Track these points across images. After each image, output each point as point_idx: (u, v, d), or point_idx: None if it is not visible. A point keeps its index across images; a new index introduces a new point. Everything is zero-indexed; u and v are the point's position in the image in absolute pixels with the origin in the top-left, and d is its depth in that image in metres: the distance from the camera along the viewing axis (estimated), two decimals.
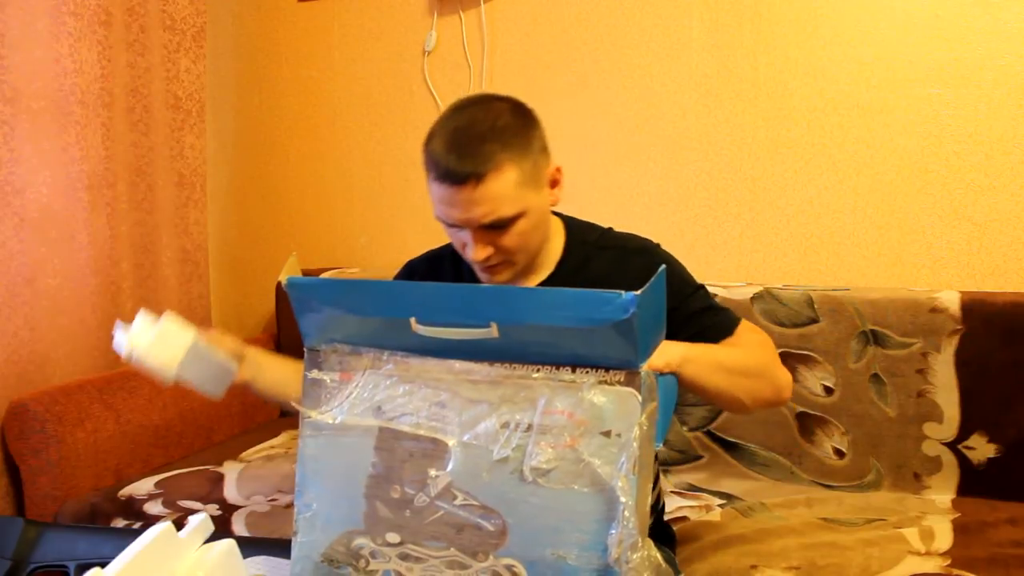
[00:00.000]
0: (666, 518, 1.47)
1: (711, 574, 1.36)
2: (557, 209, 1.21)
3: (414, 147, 1.20)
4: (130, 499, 1.69)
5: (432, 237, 1.27)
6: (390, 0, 2.28)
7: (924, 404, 1.68)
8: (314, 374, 0.83)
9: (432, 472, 0.78)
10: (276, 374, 1.23)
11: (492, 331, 0.75)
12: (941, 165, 1.83)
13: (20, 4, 1.79)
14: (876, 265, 1.89)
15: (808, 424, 1.75)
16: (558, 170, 1.14)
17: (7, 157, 1.79)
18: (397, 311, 0.78)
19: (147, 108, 2.14)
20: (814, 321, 1.74)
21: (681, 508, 1.64)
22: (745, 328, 1.14)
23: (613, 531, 0.72)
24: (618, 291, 0.70)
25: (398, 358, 0.80)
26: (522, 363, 0.76)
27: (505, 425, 0.75)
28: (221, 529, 1.02)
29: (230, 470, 1.84)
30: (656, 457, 0.83)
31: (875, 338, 1.71)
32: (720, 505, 1.65)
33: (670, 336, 0.85)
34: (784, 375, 1.10)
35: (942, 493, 1.66)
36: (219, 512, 1.63)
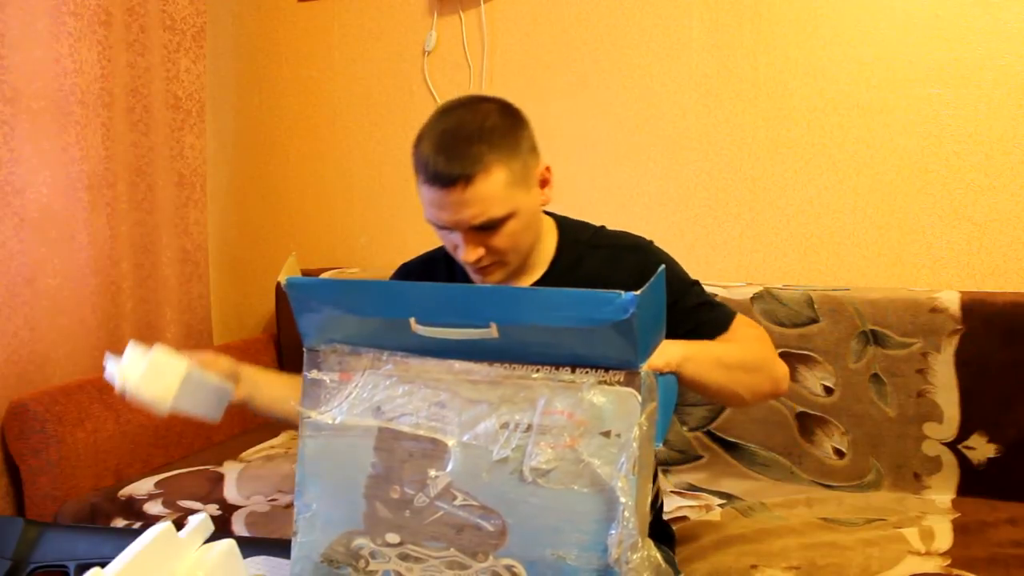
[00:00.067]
0: (666, 518, 1.47)
1: (711, 574, 1.36)
2: (550, 209, 1.21)
3: None
4: (130, 499, 1.69)
5: (432, 237, 1.26)
6: (390, 0, 2.28)
7: (924, 404, 1.68)
8: (313, 374, 0.83)
9: (432, 472, 0.78)
10: (274, 391, 1.20)
11: (492, 331, 0.75)
12: (941, 165, 1.83)
13: (20, 4, 1.79)
14: (876, 265, 1.89)
15: (808, 424, 1.75)
16: (548, 169, 1.14)
17: (7, 157, 1.79)
18: (397, 311, 0.78)
19: (147, 108, 2.14)
20: (814, 321, 1.74)
21: (681, 508, 1.64)
22: (741, 322, 1.15)
23: (613, 531, 0.72)
24: (618, 291, 0.70)
25: (398, 358, 0.80)
26: (522, 363, 0.76)
27: (505, 425, 0.75)
28: (221, 529, 1.02)
29: (230, 470, 1.84)
30: (656, 456, 0.83)
31: (875, 338, 1.71)
32: (720, 505, 1.65)
33: (666, 332, 0.85)
34: (781, 367, 1.11)
35: (942, 493, 1.66)
36: (219, 512, 1.63)
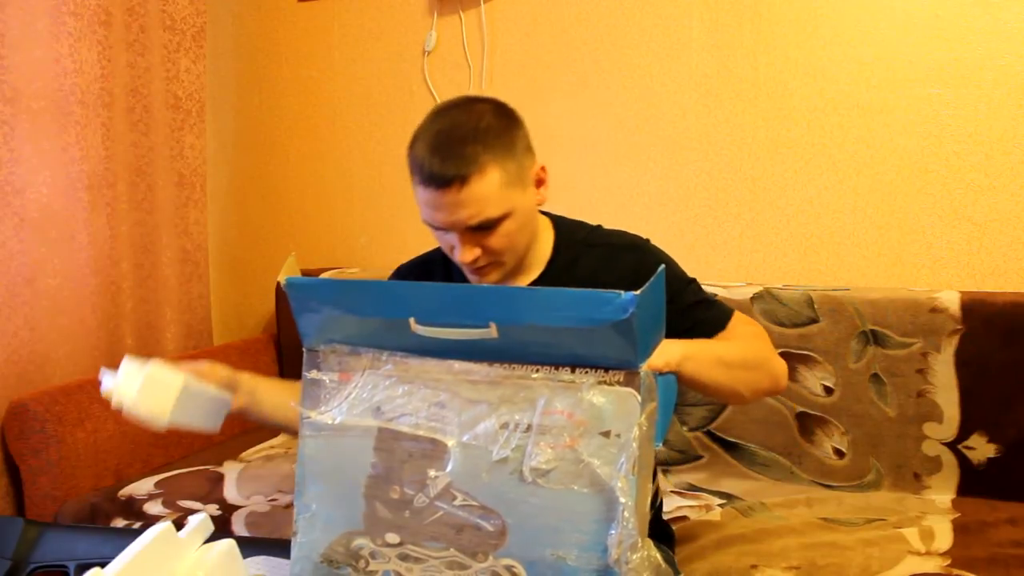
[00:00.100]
0: (666, 518, 1.47)
1: (711, 573, 1.36)
2: (549, 208, 1.21)
3: None
4: (130, 499, 1.69)
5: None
6: (390, 0, 2.28)
7: (924, 404, 1.68)
8: (313, 374, 0.83)
9: (431, 472, 0.78)
10: (273, 398, 1.19)
11: (491, 331, 0.75)
12: (941, 165, 1.83)
13: (20, 4, 1.79)
14: (876, 265, 1.89)
15: (808, 424, 1.75)
16: (543, 169, 1.13)
17: (7, 157, 1.79)
18: (396, 311, 0.78)
19: (147, 108, 2.14)
20: (814, 321, 1.74)
21: (681, 508, 1.64)
22: (739, 320, 1.15)
23: (613, 531, 0.72)
24: (617, 291, 0.70)
25: (397, 358, 0.80)
26: (521, 363, 0.76)
27: (504, 425, 0.75)
28: (221, 529, 1.02)
29: (230, 470, 1.84)
30: (655, 456, 0.83)
31: (875, 338, 1.71)
32: (720, 505, 1.65)
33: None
34: (780, 364, 1.11)
35: (942, 493, 1.66)
36: (219, 512, 1.63)
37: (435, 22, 2.22)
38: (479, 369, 0.77)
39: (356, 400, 0.81)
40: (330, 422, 0.81)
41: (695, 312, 1.13)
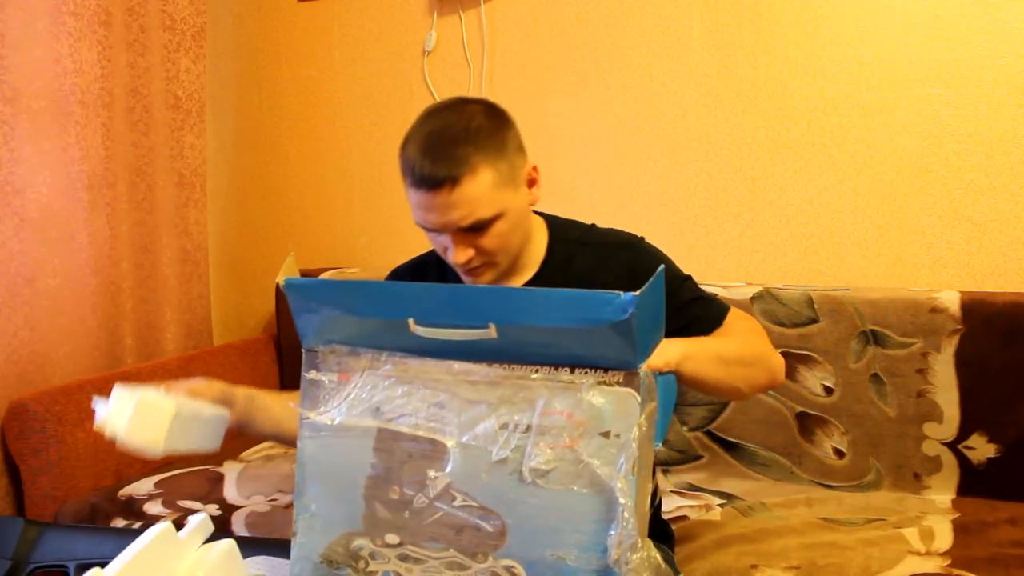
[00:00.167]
0: (666, 517, 1.47)
1: (711, 573, 1.36)
2: (546, 208, 1.21)
3: None
4: (130, 499, 1.69)
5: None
6: (390, 0, 2.28)
7: (924, 404, 1.68)
8: (312, 375, 0.83)
9: (431, 473, 0.78)
10: (271, 410, 1.14)
11: (490, 332, 0.75)
12: (941, 165, 1.83)
13: (20, 4, 1.80)
14: (876, 265, 1.89)
15: (808, 424, 1.75)
16: (535, 169, 1.13)
17: (7, 157, 1.79)
18: (395, 312, 0.78)
19: (147, 108, 2.14)
20: (814, 321, 1.74)
21: (681, 508, 1.64)
22: (735, 316, 1.15)
23: (612, 532, 0.72)
24: (617, 292, 0.70)
25: (396, 359, 0.80)
26: (521, 364, 0.76)
27: (504, 426, 0.75)
28: (221, 529, 1.02)
29: (230, 470, 1.84)
30: (655, 456, 0.83)
31: (875, 338, 1.71)
32: (720, 505, 1.65)
33: None
34: (777, 359, 1.11)
35: (942, 493, 1.66)
36: (219, 512, 1.63)
37: (435, 22, 2.22)
38: (478, 369, 0.77)
39: (355, 401, 0.81)
40: (329, 423, 0.81)
41: (691, 309, 1.13)
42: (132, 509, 1.67)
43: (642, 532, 0.74)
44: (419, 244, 1.34)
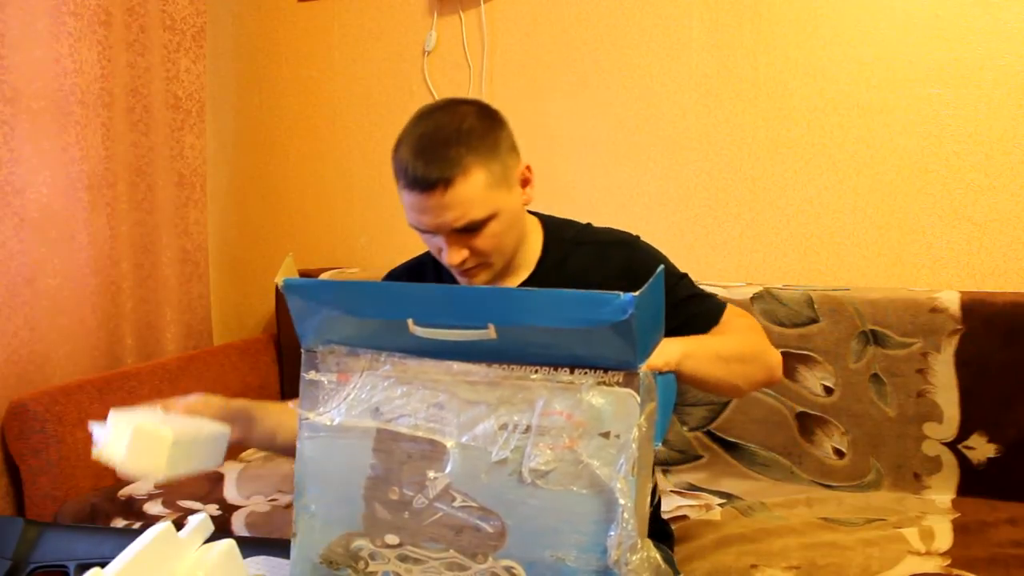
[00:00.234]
0: (666, 517, 1.47)
1: (711, 573, 1.36)
2: (544, 208, 1.20)
3: None
4: (130, 499, 1.70)
5: None
6: (390, 0, 2.27)
7: (924, 404, 1.68)
8: (311, 375, 0.83)
9: (431, 474, 0.78)
10: (268, 421, 1.11)
11: (490, 332, 0.75)
12: (941, 165, 1.83)
13: (20, 4, 1.80)
14: (876, 265, 1.89)
15: (808, 424, 1.75)
16: (528, 169, 1.13)
17: (7, 157, 1.79)
18: (394, 312, 0.78)
19: (147, 108, 2.14)
20: (814, 321, 1.74)
21: (681, 507, 1.64)
22: (732, 313, 1.15)
23: (612, 533, 0.72)
24: (616, 292, 0.70)
25: (396, 359, 0.80)
26: (520, 364, 0.76)
27: (503, 426, 0.75)
28: (221, 529, 1.02)
29: (230, 470, 1.84)
30: (655, 456, 0.83)
31: (875, 338, 1.71)
32: (720, 505, 1.65)
33: None
34: (775, 355, 1.11)
35: (942, 493, 1.66)
36: (219, 512, 1.63)
37: (435, 22, 2.22)
38: (478, 370, 0.77)
39: (355, 401, 0.81)
40: (329, 423, 0.81)
41: (689, 306, 1.13)
42: (132, 509, 1.67)
43: (642, 533, 0.74)
44: (419, 244, 1.34)
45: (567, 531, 0.73)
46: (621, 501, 0.72)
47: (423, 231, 1.09)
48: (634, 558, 0.72)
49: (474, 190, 1.04)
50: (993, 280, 1.81)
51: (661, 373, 0.79)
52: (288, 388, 2.25)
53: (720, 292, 1.75)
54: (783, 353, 1.16)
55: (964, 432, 1.66)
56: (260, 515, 1.62)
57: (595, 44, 2.08)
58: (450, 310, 0.77)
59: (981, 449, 1.65)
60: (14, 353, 1.81)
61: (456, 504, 0.77)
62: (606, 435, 0.73)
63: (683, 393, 1.79)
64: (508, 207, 1.09)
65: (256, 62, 2.44)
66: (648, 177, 2.06)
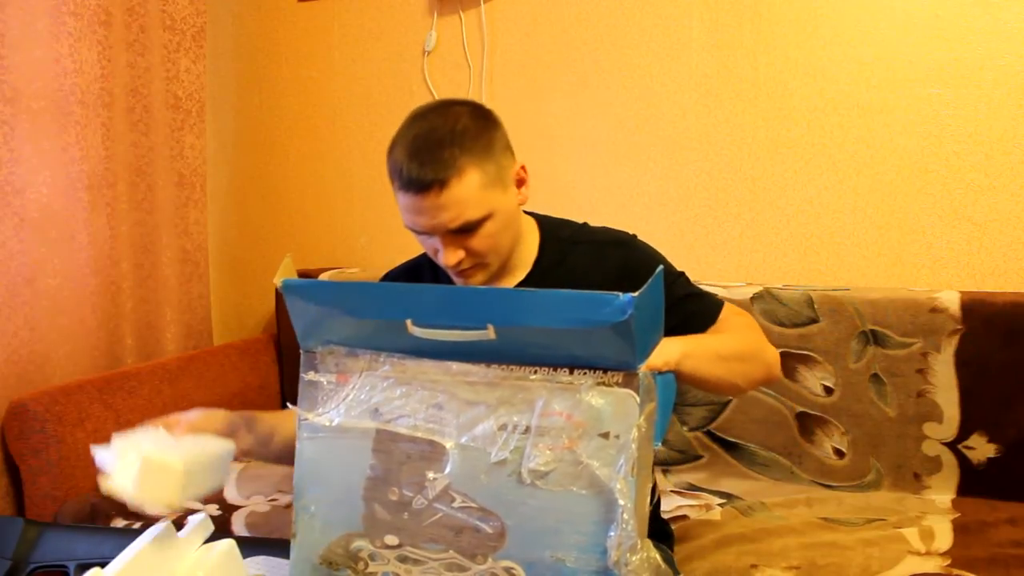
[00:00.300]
0: (666, 517, 1.47)
1: (711, 573, 1.36)
2: (543, 208, 1.20)
3: None
4: None
5: None
6: (390, 0, 2.27)
7: (924, 404, 1.68)
8: (310, 376, 0.83)
9: (430, 474, 0.78)
10: (267, 422, 1.08)
11: (489, 333, 0.75)
12: (941, 165, 1.83)
13: (20, 4, 1.79)
14: (876, 265, 1.89)
15: (808, 424, 1.75)
16: (523, 169, 1.13)
17: (7, 157, 1.79)
18: (393, 313, 0.78)
19: (147, 108, 2.14)
20: (814, 321, 1.74)
21: (681, 507, 1.64)
22: (729, 311, 1.15)
23: (612, 533, 0.72)
24: (615, 292, 0.70)
25: (395, 360, 0.80)
26: (519, 365, 0.76)
27: (503, 427, 0.75)
28: (221, 529, 1.02)
29: (230, 470, 1.84)
30: (655, 456, 0.83)
31: (875, 338, 1.71)
32: (720, 504, 1.65)
33: None
34: (772, 353, 1.11)
35: (942, 493, 1.66)
36: (219, 512, 1.63)
37: (435, 22, 2.22)
38: (477, 370, 0.77)
39: (354, 402, 0.81)
40: (328, 424, 0.81)
41: (686, 305, 1.13)
42: (132, 509, 1.66)
43: (642, 533, 0.74)
44: (418, 245, 1.35)
45: (567, 532, 0.74)
46: (621, 502, 0.72)
47: (419, 232, 1.09)
48: (634, 558, 0.72)
49: (469, 191, 1.04)
50: (993, 280, 1.81)
51: (660, 373, 0.79)
52: (288, 388, 2.25)
53: (720, 292, 1.75)
54: (783, 353, 1.16)
55: (964, 432, 1.66)
56: (260, 515, 1.62)
57: (595, 44, 2.08)
58: (449, 311, 0.77)
59: (981, 449, 1.65)
60: (14, 353, 1.81)
61: (456, 505, 0.77)
62: (606, 435, 0.73)
63: (683, 393, 1.79)
64: (503, 207, 1.09)
65: (256, 62, 2.44)
66: (648, 177, 2.06)
